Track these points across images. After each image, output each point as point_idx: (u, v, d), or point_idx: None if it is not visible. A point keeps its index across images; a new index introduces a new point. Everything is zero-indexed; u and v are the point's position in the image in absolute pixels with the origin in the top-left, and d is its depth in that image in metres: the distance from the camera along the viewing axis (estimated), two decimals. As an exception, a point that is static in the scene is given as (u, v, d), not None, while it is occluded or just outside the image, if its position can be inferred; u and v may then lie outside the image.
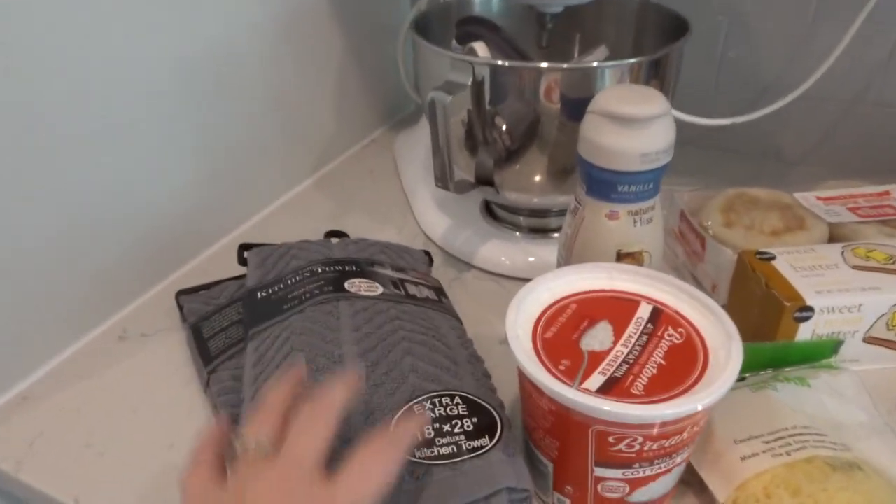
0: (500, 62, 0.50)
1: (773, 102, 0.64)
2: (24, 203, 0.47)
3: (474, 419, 0.37)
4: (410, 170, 0.74)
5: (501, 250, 0.61)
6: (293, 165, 0.75)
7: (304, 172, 0.76)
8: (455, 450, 0.35)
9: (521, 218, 0.63)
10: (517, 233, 0.63)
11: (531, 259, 0.60)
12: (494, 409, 0.38)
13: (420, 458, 0.35)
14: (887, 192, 0.58)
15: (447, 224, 0.65)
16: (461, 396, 0.38)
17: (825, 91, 0.70)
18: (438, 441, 0.35)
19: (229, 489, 0.30)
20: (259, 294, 0.48)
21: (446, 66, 0.51)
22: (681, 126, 0.63)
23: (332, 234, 0.60)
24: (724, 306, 0.53)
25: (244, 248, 0.54)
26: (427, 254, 0.59)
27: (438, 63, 0.52)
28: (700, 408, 0.32)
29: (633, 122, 0.40)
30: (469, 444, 0.35)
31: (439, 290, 0.52)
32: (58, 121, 0.48)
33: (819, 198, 0.58)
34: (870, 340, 0.48)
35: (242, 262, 0.54)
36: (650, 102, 0.40)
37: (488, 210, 0.66)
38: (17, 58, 0.44)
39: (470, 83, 0.50)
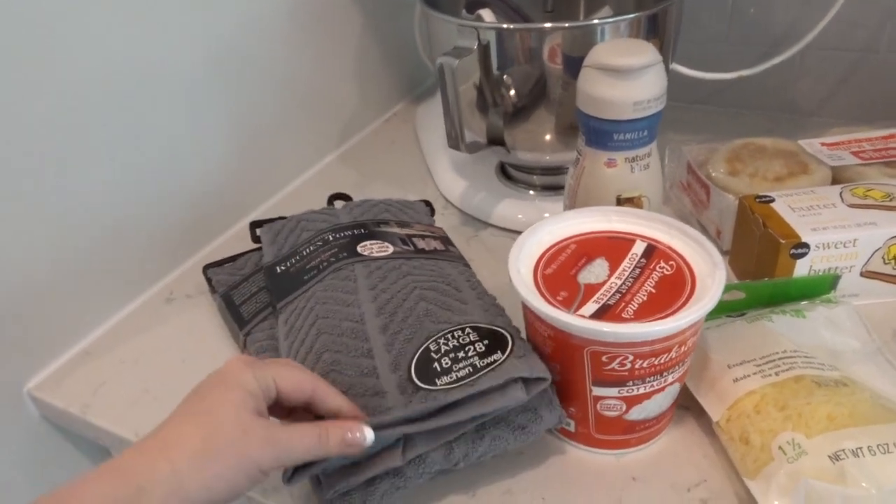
0: (502, 25, 0.53)
1: (783, 54, 0.65)
2: (81, 184, 0.52)
3: (485, 341, 0.40)
4: (430, 138, 0.78)
5: (517, 208, 0.64)
6: (318, 141, 0.79)
7: (329, 147, 0.81)
8: (471, 370, 0.39)
9: (535, 177, 0.66)
10: (531, 191, 0.66)
11: (546, 215, 0.63)
12: (503, 328, 0.42)
13: (441, 385, 0.39)
14: (893, 135, 0.59)
15: (464, 186, 0.68)
16: (471, 327, 0.42)
17: (837, 40, 0.71)
18: (455, 367, 0.39)
19: None
20: (278, 268, 0.52)
21: (453, 32, 0.54)
22: (693, 84, 0.65)
23: (335, 196, 0.63)
24: (727, 251, 0.57)
25: (255, 224, 0.58)
26: (428, 203, 0.62)
27: (446, 30, 0.56)
28: (684, 324, 0.35)
29: (624, 73, 0.43)
30: (483, 362, 0.39)
31: (445, 240, 0.55)
32: (108, 104, 0.53)
33: (824, 143, 0.59)
34: (867, 274, 0.50)
35: (256, 239, 0.57)
36: (640, 53, 0.43)
37: (503, 171, 0.69)
38: (63, 47, 0.49)
39: (476, 47, 0.53)
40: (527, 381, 0.38)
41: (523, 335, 0.43)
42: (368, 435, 0.35)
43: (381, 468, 0.37)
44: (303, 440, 0.33)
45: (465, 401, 0.37)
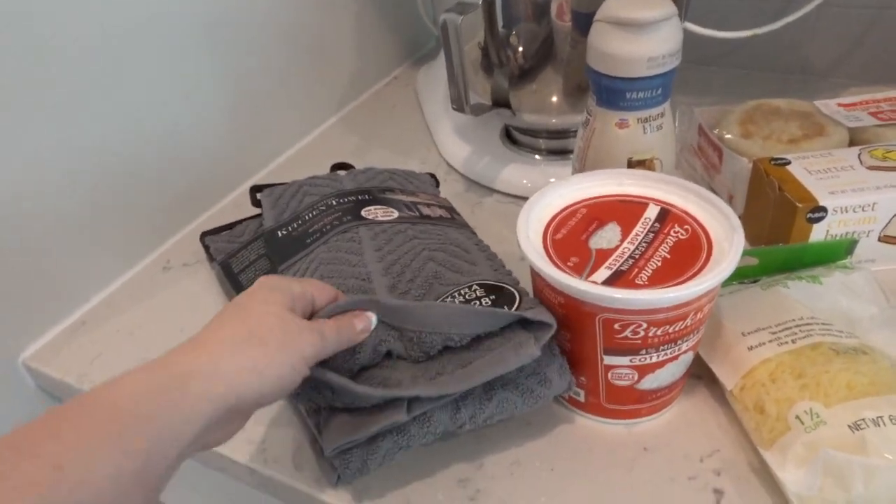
0: (509, -21, 0.50)
1: (797, 12, 0.63)
2: (76, 150, 0.51)
3: (493, 296, 0.39)
4: (432, 102, 0.76)
5: (522, 173, 0.63)
6: (317, 105, 0.77)
7: (329, 111, 0.78)
8: None
9: (541, 141, 0.64)
10: (537, 155, 0.64)
11: (552, 180, 0.61)
12: (512, 286, 0.40)
13: None
14: (912, 96, 0.57)
15: (468, 151, 0.66)
16: (478, 284, 0.41)
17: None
18: None
19: None
20: (280, 233, 0.50)
21: (457, -13, 0.52)
22: (703, 43, 0.63)
23: (338, 166, 0.61)
24: (740, 216, 0.55)
25: (256, 189, 0.56)
26: (433, 176, 0.60)
27: (450, -14, 0.53)
28: (701, 291, 0.34)
29: (638, 27, 0.41)
30: None
31: (451, 209, 0.53)
32: (99, 68, 0.50)
33: (840, 104, 0.57)
34: (885, 239, 0.48)
35: (256, 203, 0.56)
36: (655, 6, 0.41)
37: (508, 136, 0.67)
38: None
39: (481, 2, 0.50)
40: (536, 336, 0.37)
41: None
42: (373, 319, 0.38)
43: (386, 424, 0.35)
44: (332, 331, 0.35)
45: (478, 364, 0.36)
